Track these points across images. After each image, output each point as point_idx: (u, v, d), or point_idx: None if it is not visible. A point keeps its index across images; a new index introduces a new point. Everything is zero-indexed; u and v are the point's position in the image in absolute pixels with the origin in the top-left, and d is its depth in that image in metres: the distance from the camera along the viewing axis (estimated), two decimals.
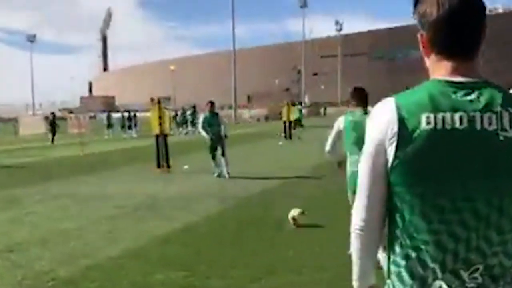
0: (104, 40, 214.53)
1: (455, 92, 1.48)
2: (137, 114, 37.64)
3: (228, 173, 12.57)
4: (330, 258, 5.74)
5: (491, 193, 1.43)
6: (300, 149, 20.56)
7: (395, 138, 1.48)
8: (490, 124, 1.44)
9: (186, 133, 34.08)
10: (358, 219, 1.62)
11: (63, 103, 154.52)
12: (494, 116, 1.45)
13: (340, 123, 5.62)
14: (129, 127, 35.32)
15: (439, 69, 1.55)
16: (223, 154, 12.83)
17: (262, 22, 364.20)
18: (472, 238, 1.43)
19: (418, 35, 1.59)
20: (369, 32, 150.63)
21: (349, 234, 1.63)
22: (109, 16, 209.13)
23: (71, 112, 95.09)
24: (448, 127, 1.45)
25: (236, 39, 65.56)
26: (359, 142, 4.76)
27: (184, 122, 35.91)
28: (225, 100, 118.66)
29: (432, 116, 1.46)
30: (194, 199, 9.88)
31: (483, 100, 1.46)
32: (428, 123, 1.45)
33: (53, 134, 29.92)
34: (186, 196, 10.24)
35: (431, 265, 1.47)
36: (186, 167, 14.95)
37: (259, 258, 5.94)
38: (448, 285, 1.45)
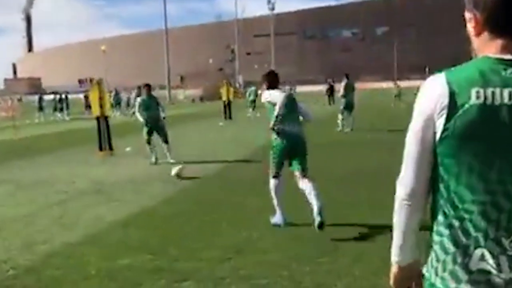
0: (28, 19, 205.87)
1: (505, 69, 1.53)
2: (69, 96, 36.49)
3: (172, 160, 12.04)
4: (289, 237, 5.80)
5: None
6: (241, 129, 20.58)
7: (445, 111, 1.53)
8: None
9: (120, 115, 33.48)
10: (405, 190, 1.67)
11: None
12: None
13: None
14: (61, 109, 34.22)
15: (489, 47, 1.57)
16: (166, 142, 12.29)
17: (193, 1, 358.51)
18: None
19: (469, 15, 1.61)
20: (301, 11, 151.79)
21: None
22: None
23: None
24: (497, 102, 1.50)
25: (167, 18, 64.28)
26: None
27: (118, 103, 35.25)
28: (157, 81, 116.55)
29: (482, 91, 1.51)
30: (143, 183, 9.69)
31: None
32: (478, 97, 1.51)
33: None
34: (134, 180, 10.03)
35: (474, 233, 1.53)
36: (128, 149, 14.65)
37: (224, 239, 5.90)
38: (490, 252, 1.51)
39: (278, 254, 5.28)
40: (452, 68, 1.61)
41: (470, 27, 1.62)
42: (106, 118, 13.99)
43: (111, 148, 14.05)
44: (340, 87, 18.84)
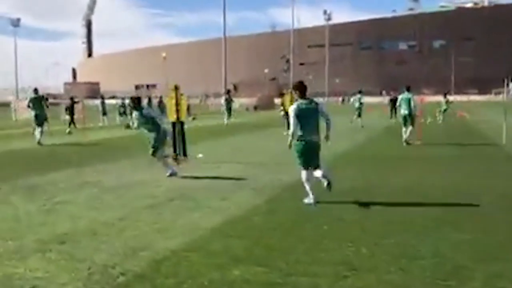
0: (89, 25, 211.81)
1: None
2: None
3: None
4: (400, 255, 5.49)
5: None
6: None
7: None
8: None
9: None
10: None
11: (46, 88, 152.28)
12: None
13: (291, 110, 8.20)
14: (125, 114, 34.76)
15: None
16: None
17: (247, 11, 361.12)
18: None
19: None
20: (356, 22, 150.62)
21: None
22: (93, 2, 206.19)
23: (54, 98, 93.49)
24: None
25: (220, 28, 64.68)
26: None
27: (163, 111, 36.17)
28: (211, 89, 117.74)
29: None
30: (225, 189, 9.53)
31: None
32: None
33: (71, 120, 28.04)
34: (215, 187, 9.90)
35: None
36: (200, 155, 14.61)
37: (330, 254, 5.65)
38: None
39: (399, 275, 4.98)
40: None
41: None
42: (182, 123, 13.97)
43: (185, 155, 14.00)
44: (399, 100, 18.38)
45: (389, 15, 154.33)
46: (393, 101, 37.96)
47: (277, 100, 45.85)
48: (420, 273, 5.00)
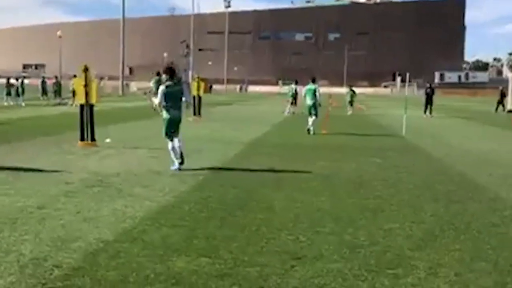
0: None
1: None
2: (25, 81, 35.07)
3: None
4: (345, 245, 5.54)
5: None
6: (210, 125, 20.19)
7: None
8: None
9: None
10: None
11: None
12: None
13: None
14: (17, 95, 32.76)
15: None
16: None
17: None
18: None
19: None
20: (255, 11, 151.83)
21: None
22: None
23: None
24: None
25: (114, 9, 62.58)
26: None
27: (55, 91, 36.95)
28: (105, 71, 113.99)
29: None
30: (144, 176, 9.19)
31: None
32: None
33: None
34: (132, 173, 9.51)
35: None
36: (108, 140, 14.03)
37: (272, 243, 5.58)
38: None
39: (344, 264, 5.00)
40: None
41: None
42: (91, 106, 13.32)
43: (93, 139, 13.37)
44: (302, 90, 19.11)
45: (287, 6, 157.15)
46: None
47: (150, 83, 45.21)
48: (364, 262, 5.04)
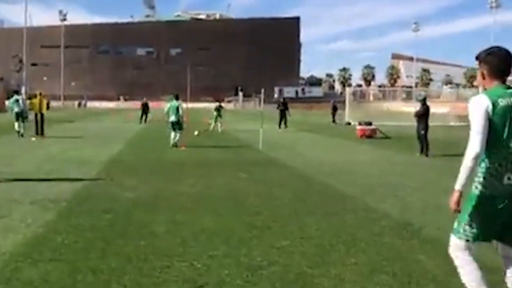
0: None
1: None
2: None
3: None
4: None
5: None
6: (59, 145, 18.95)
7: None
8: None
9: None
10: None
11: None
12: None
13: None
14: None
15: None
16: None
17: None
18: None
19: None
20: (93, 25, 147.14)
21: None
22: None
23: None
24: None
25: None
26: None
27: None
28: None
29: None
30: None
31: None
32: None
33: None
34: None
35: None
36: None
37: (165, 271, 5.16)
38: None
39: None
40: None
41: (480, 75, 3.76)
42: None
43: None
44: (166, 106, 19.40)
45: (126, 20, 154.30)
46: (145, 105, 38.02)
47: (7, 102, 41.70)
48: (270, 284, 4.83)
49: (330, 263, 5.49)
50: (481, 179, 3.63)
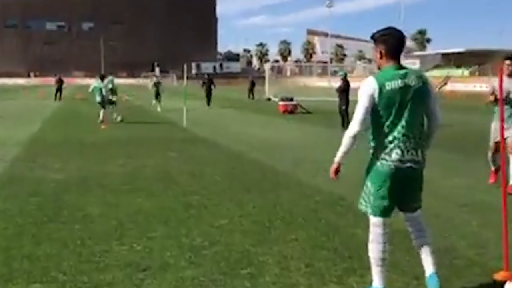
0: None
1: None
2: None
3: None
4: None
5: None
6: None
7: None
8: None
9: None
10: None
11: None
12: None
13: None
14: None
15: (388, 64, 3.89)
16: None
17: None
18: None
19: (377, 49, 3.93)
20: None
21: None
22: None
23: None
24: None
25: None
26: None
27: None
28: None
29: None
30: None
31: None
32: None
33: None
34: None
35: None
36: None
37: (105, 255, 5.02)
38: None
39: (194, 269, 4.71)
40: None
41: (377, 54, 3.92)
42: None
43: None
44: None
45: None
46: (59, 81, 36.65)
47: None
48: (215, 265, 4.79)
49: (271, 241, 5.53)
50: (371, 155, 3.91)
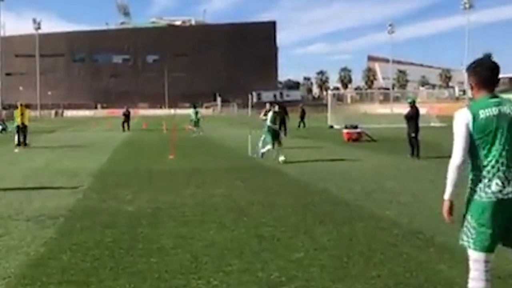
0: None
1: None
2: None
3: None
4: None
5: None
6: (43, 156, 18.53)
7: None
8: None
9: None
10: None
11: None
12: None
13: None
14: None
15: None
16: None
17: None
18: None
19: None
20: (68, 33, 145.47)
21: None
22: None
23: None
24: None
25: None
26: None
27: None
28: None
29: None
30: None
31: None
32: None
33: None
34: None
35: None
36: None
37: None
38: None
39: None
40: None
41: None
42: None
43: None
44: None
45: (102, 27, 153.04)
46: (127, 113, 37.74)
47: None
48: None
49: (352, 277, 5.32)
50: (470, 187, 3.78)
